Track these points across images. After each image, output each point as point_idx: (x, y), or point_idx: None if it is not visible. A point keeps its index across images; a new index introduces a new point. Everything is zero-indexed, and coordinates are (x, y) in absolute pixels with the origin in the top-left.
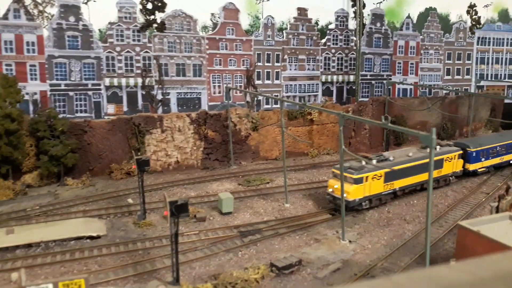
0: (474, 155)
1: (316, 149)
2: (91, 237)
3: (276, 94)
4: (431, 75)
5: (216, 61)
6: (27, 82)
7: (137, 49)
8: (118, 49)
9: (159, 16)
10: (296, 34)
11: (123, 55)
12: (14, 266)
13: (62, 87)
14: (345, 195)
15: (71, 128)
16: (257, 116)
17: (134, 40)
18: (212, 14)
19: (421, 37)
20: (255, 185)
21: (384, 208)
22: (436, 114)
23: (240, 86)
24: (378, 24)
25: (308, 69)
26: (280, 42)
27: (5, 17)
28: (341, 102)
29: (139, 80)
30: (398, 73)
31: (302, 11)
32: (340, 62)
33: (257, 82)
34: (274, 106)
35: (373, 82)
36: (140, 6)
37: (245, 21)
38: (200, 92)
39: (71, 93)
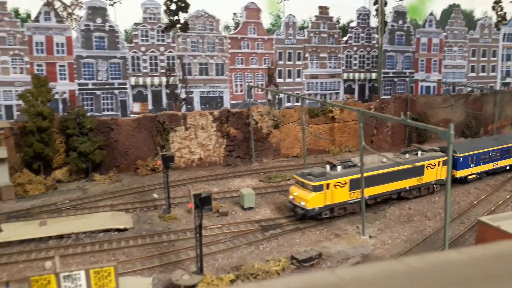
0: (461, 161)
1: (338, 147)
2: (119, 230)
3: (297, 92)
4: (455, 72)
5: (238, 60)
6: (56, 81)
7: (162, 49)
8: (143, 49)
9: (182, 16)
10: (317, 32)
11: (148, 55)
12: (47, 255)
13: (90, 86)
14: (303, 203)
15: (98, 125)
16: (278, 113)
17: (158, 40)
18: (234, 14)
19: (444, 34)
20: (276, 181)
21: (405, 204)
22: (460, 111)
23: (262, 84)
24: (400, 22)
25: (330, 67)
26: (301, 40)
27: (37, 19)
28: (363, 100)
29: (164, 79)
30: (421, 70)
31: (323, 10)
32: (361, 60)
33: (278, 80)
34: (295, 104)
35: (395, 79)
36: (164, 7)
37: (266, 20)
38: (222, 91)
39: (98, 92)
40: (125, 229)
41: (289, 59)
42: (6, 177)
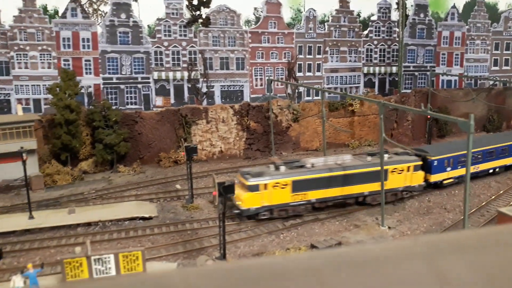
0: (436, 164)
1: (357, 141)
2: (144, 218)
3: (317, 86)
4: (477, 66)
5: (259, 54)
6: (82, 76)
7: (184, 43)
8: (165, 44)
9: (204, 11)
10: (338, 26)
11: (170, 50)
12: (76, 241)
13: (114, 80)
14: (239, 202)
15: (123, 118)
16: (298, 107)
17: (180, 35)
18: (255, 9)
19: (467, 27)
20: None
21: (424, 197)
22: (482, 105)
23: (282, 78)
24: (422, 15)
25: (350, 60)
26: (321, 34)
27: (64, 16)
28: (383, 93)
29: (185, 74)
30: (442, 64)
31: (344, 3)
32: (382, 53)
33: (298, 74)
34: (315, 98)
35: (416, 73)
36: (186, 2)
37: (287, 15)
38: (242, 85)
39: (122, 86)
40: (150, 218)
41: (309, 53)
42: (36, 168)
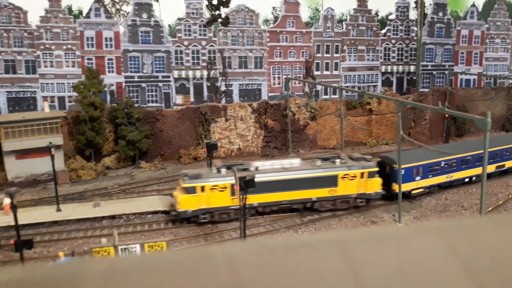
0: (402, 173)
1: (375, 139)
2: (166, 212)
3: (335, 84)
4: (497, 65)
5: (277, 53)
6: (105, 74)
7: (203, 43)
8: (186, 43)
9: (223, 11)
10: (355, 25)
11: (190, 49)
12: (101, 233)
13: (136, 79)
14: (177, 204)
15: (145, 116)
16: (316, 105)
17: (200, 34)
18: (274, 8)
19: (486, 26)
20: None
21: (441, 195)
22: (501, 105)
23: (299, 77)
24: (441, 14)
25: (368, 59)
26: (339, 33)
27: (88, 16)
28: (401, 92)
29: (205, 73)
30: (461, 63)
31: (362, 2)
32: (400, 52)
33: (316, 73)
34: (333, 96)
35: (434, 72)
36: (206, 2)
37: (305, 14)
38: (260, 83)
39: (143, 85)
40: (171, 212)
41: (327, 52)
42: (62, 163)
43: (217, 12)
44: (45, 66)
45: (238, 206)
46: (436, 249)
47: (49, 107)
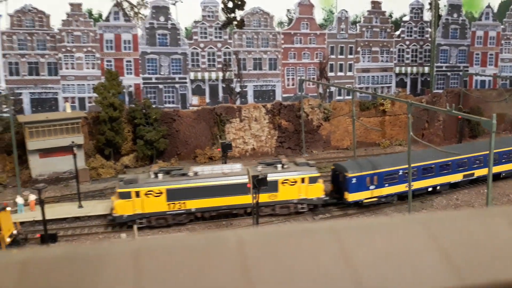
0: (354, 181)
1: (388, 140)
2: None
3: (348, 85)
4: None
5: (291, 55)
6: (123, 76)
7: (219, 45)
8: (202, 45)
9: (239, 14)
10: (369, 26)
11: (206, 51)
12: (121, 229)
13: (153, 80)
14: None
15: (162, 116)
16: (329, 106)
17: (216, 37)
18: (288, 10)
19: (502, 26)
20: (325, 172)
21: (452, 195)
22: None
23: (313, 78)
24: (455, 15)
25: (382, 60)
26: (353, 35)
27: (107, 19)
28: (415, 93)
29: (220, 74)
30: (475, 64)
31: (376, 4)
32: (414, 53)
33: (329, 74)
34: (346, 97)
35: (448, 73)
36: (221, 5)
37: (319, 16)
38: (274, 85)
39: (160, 86)
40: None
41: (341, 53)
42: (82, 162)
43: (233, 14)
44: (66, 68)
45: (175, 212)
46: (419, 236)
47: (70, 107)
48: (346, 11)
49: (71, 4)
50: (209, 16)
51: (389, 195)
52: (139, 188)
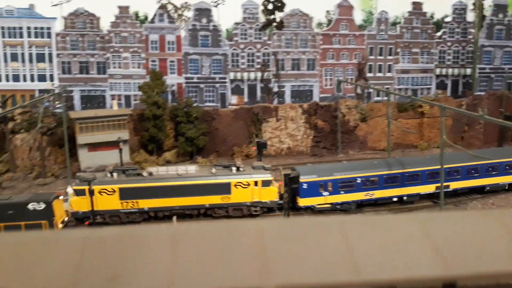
0: (305, 187)
1: (426, 142)
2: None
3: (387, 86)
4: None
5: (329, 55)
6: (167, 75)
7: (258, 46)
8: (241, 46)
9: (278, 15)
10: (410, 28)
11: (246, 52)
12: (162, 221)
13: (195, 80)
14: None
15: (202, 115)
16: (366, 107)
17: (255, 38)
18: (327, 11)
19: None
20: None
21: (488, 200)
22: None
23: (351, 79)
24: (501, 15)
25: (422, 62)
26: (393, 36)
27: (152, 21)
28: (456, 95)
29: (259, 74)
30: None
31: (417, 5)
32: (456, 55)
33: (368, 74)
34: (385, 98)
35: (492, 75)
36: (261, 7)
37: (358, 17)
38: (312, 85)
39: (201, 85)
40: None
41: (380, 54)
42: (127, 156)
43: (272, 16)
44: (114, 67)
45: (128, 210)
46: (415, 232)
47: (117, 105)
48: (386, 12)
49: (119, 7)
50: (249, 17)
51: (345, 202)
52: (93, 186)
